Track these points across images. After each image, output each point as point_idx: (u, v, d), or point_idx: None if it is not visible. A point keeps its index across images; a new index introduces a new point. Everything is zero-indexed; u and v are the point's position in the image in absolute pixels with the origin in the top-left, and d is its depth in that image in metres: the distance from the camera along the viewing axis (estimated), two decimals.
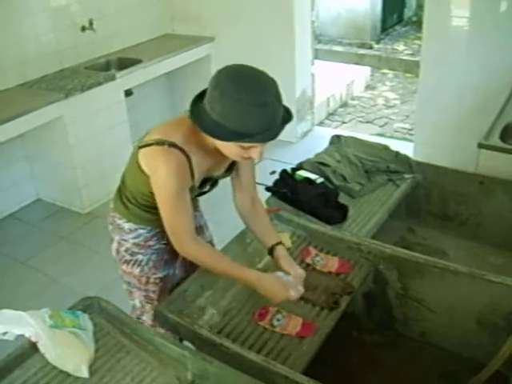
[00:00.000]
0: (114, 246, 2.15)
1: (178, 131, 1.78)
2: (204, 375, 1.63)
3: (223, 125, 1.63)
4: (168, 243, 2.06)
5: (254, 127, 1.63)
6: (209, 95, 1.65)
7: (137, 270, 2.12)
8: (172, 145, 1.74)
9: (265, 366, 1.70)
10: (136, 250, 2.09)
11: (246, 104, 1.59)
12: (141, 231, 2.06)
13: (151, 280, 2.14)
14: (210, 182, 1.99)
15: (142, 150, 1.80)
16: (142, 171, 1.83)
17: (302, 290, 1.93)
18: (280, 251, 2.02)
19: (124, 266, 2.14)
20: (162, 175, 1.76)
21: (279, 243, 2.05)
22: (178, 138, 1.76)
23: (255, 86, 1.62)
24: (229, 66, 1.68)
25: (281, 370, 1.68)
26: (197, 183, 1.90)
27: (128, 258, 2.11)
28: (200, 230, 2.29)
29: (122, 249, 2.11)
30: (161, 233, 2.05)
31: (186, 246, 1.87)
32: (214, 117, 1.64)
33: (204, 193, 2.04)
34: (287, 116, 1.72)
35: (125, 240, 2.09)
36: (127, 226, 2.06)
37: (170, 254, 2.12)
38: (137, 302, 2.21)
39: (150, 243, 2.09)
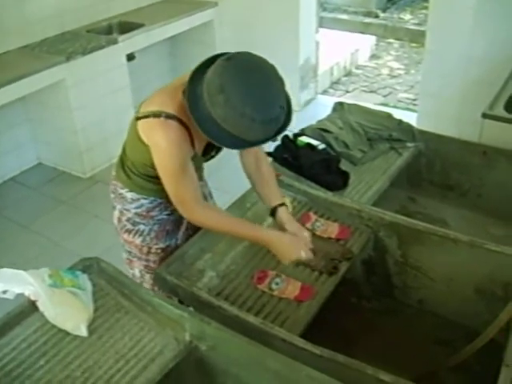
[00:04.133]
0: (116, 214, 2.12)
1: (175, 100, 1.71)
2: (201, 336, 1.65)
3: (222, 128, 1.58)
4: (171, 214, 2.05)
5: (253, 139, 1.61)
6: (211, 92, 1.56)
7: (138, 240, 2.09)
8: (169, 116, 1.69)
9: (262, 328, 1.71)
10: (138, 219, 2.07)
11: (251, 120, 1.54)
12: (143, 201, 2.02)
13: (152, 250, 2.11)
14: (214, 147, 1.94)
15: (140, 122, 1.76)
16: (142, 142, 1.78)
17: (311, 254, 1.93)
18: (283, 214, 2.00)
19: (125, 235, 2.11)
20: (163, 149, 1.72)
21: (282, 204, 2.02)
22: (175, 108, 1.70)
23: (261, 99, 1.56)
24: (236, 62, 1.59)
25: (278, 332, 1.69)
26: (199, 151, 1.87)
27: (130, 227, 2.09)
28: (204, 199, 2.25)
29: (124, 218, 2.09)
30: (164, 203, 2.02)
31: (195, 212, 1.85)
32: (212, 114, 1.57)
33: (211, 157, 2.00)
34: (286, 120, 1.67)
35: (127, 210, 2.06)
36: (129, 195, 2.03)
37: (172, 224, 2.10)
38: (136, 272, 2.19)
39: (153, 214, 2.06)
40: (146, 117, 1.72)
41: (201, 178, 2.19)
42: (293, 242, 1.90)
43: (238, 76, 1.56)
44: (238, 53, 1.64)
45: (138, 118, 1.77)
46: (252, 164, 2.06)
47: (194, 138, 1.78)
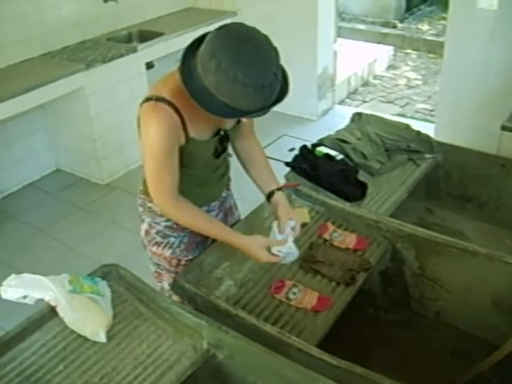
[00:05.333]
0: (144, 227, 2.08)
1: (167, 85, 1.71)
2: (219, 344, 1.65)
3: (214, 95, 1.56)
4: None
5: (247, 107, 1.57)
6: (203, 61, 1.55)
7: (168, 252, 2.06)
8: (159, 99, 1.68)
9: (279, 337, 1.71)
10: (168, 232, 2.03)
11: (242, 85, 1.50)
12: None
13: (182, 262, 2.08)
14: (218, 133, 1.88)
15: (140, 113, 1.76)
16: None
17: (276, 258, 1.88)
18: (278, 197, 1.99)
19: (154, 248, 2.08)
20: (152, 131, 1.70)
21: (279, 189, 2.01)
22: (166, 92, 1.69)
23: (254, 64, 1.52)
24: (227, 30, 1.57)
25: (295, 342, 1.70)
26: (203, 137, 1.82)
27: (159, 240, 2.05)
28: (229, 210, 2.22)
29: (153, 231, 2.05)
30: None
31: (168, 204, 1.81)
32: (205, 84, 1.55)
33: (219, 154, 1.93)
34: (282, 92, 1.64)
35: (156, 223, 2.03)
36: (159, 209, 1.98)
37: (202, 235, 2.05)
38: (165, 285, 2.14)
39: (183, 226, 2.01)
40: (141, 106, 1.74)
41: (226, 186, 2.18)
42: (257, 248, 1.85)
43: (229, 42, 1.53)
44: (231, 23, 1.63)
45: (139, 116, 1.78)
46: (244, 147, 2.06)
47: (188, 124, 1.75)
